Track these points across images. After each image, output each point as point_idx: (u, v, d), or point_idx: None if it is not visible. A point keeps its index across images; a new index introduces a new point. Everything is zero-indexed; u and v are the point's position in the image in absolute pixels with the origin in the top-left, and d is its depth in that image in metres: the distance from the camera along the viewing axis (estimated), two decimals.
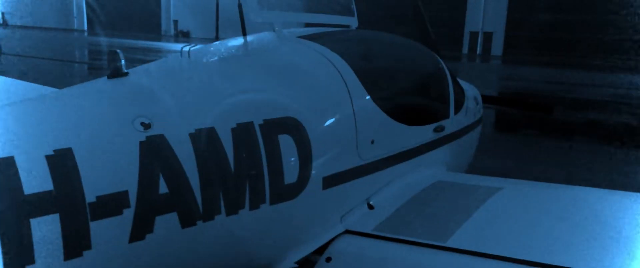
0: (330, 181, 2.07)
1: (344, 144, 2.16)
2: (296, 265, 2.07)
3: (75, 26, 50.31)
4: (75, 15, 50.18)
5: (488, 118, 11.05)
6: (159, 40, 39.00)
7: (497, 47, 34.15)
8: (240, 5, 2.31)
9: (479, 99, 4.06)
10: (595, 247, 1.90)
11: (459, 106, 3.22)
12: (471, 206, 2.20)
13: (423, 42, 4.61)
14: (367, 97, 2.32)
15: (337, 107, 2.20)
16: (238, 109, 1.89)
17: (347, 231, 2.11)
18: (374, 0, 36.43)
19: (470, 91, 3.87)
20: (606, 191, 2.52)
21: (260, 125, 1.87)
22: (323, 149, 2.04)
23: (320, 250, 2.07)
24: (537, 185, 2.74)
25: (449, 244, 1.91)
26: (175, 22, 46.52)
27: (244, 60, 2.31)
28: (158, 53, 23.88)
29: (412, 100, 3.02)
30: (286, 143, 1.92)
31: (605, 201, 2.40)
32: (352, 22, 3.13)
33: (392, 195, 2.36)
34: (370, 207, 2.28)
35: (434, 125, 2.82)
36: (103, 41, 33.86)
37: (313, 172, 1.99)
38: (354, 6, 3.17)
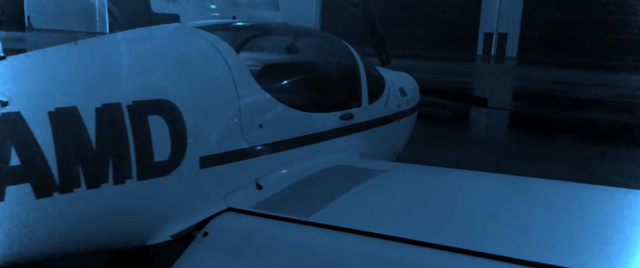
0: (209, 161, 2.23)
1: (225, 127, 2.32)
2: (171, 239, 2.21)
3: (98, 29, 51.51)
4: (98, 18, 51.40)
5: (489, 119, 11.29)
6: None
7: (511, 49, 34.02)
8: None
9: (410, 89, 4.21)
10: (468, 226, 2.04)
11: (375, 96, 3.39)
12: (347, 186, 2.38)
13: (374, 41, 4.98)
14: (256, 84, 2.48)
15: (219, 92, 2.35)
16: (104, 90, 2.03)
17: (230, 209, 2.25)
18: (385, 2, 36.76)
19: (399, 82, 4.05)
20: (500, 175, 2.63)
21: (128, 106, 2.01)
22: (199, 131, 2.20)
23: (204, 226, 2.20)
24: (433, 170, 2.88)
25: (310, 219, 2.04)
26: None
27: (124, 47, 2.45)
28: None
29: (311, 88, 3.22)
30: (157, 123, 2.06)
31: (490, 185, 2.56)
32: (276, 15, 3.36)
33: (283, 177, 2.51)
34: (259, 187, 2.42)
35: (340, 113, 2.99)
36: None
37: (188, 152, 2.14)
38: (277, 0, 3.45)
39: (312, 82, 3.34)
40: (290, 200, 2.33)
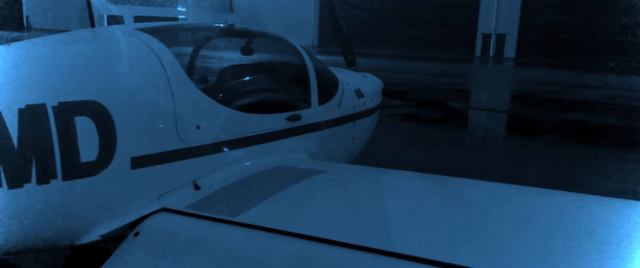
0: (141, 161, 2.22)
1: (159, 128, 2.30)
2: (101, 239, 2.20)
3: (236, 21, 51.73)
4: (96, 18, 51.43)
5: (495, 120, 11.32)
6: None
7: (510, 49, 34.13)
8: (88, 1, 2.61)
9: (369, 91, 4.21)
10: (390, 227, 2.06)
11: (326, 97, 3.36)
12: (281, 187, 2.39)
13: (338, 41, 5.01)
14: (193, 86, 2.47)
15: (152, 94, 2.33)
16: (30, 92, 2.03)
17: (164, 209, 2.24)
18: (390, 4, 36.80)
19: (356, 83, 4.03)
20: (438, 176, 2.62)
21: (54, 107, 2.01)
22: (131, 131, 2.18)
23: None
24: (373, 171, 2.88)
25: (237, 219, 2.05)
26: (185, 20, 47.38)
27: (57, 48, 2.42)
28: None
29: (254, 90, 3.21)
30: (84, 124, 2.06)
31: (424, 186, 2.57)
32: (230, 17, 3.44)
33: (222, 178, 2.48)
34: (197, 187, 2.40)
35: (287, 114, 2.97)
36: None
37: (118, 152, 2.13)
38: (232, 2, 3.47)
39: (255, 84, 3.34)
40: (224, 200, 2.31)
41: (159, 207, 2.25)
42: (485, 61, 32.44)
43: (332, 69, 4.21)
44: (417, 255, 1.72)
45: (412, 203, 2.36)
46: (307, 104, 3.20)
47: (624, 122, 11.20)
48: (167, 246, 2.07)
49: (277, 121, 2.92)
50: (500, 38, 34.26)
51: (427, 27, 36.50)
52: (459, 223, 2.05)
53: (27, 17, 45.39)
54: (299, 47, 3.39)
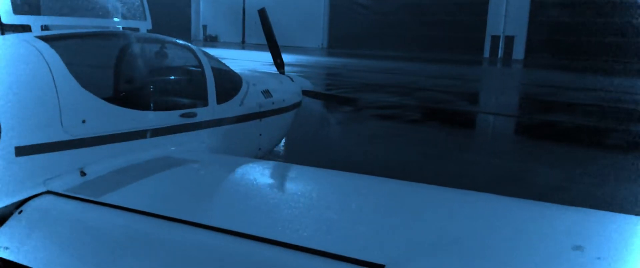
0: (26, 150, 2.53)
1: (43, 122, 2.62)
2: None
3: (151, 28, 53.08)
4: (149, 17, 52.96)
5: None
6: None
7: (518, 51, 33.83)
8: None
9: (281, 91, 4.55)
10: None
11: (226, 97, 3.69)
12: (156, 174, 2.72)
13: (269, 49, 5.28)
14: (78, 85, 2.77)
15: (37, 92, 2.64)
16: None
17: (49, 192, 2.54)
18: (400, 6, 36.81)
19: (266, 84, 4.38)
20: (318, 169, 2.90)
21: None
22: (15, 124, 2.51)
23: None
24: (239, 160, 3.24)
25: (109, 201, 2.37)
26: (204, 27, 48.03)
27: None
28: None
29: (144, 90, 3.50)
30: None
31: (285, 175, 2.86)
32: (143, 25, 3.65)
33: (108, 166, 2.79)
34: (83, 174, 2.70)
35: (181, 111, 3.30)
36: None
37: (2, 142, 2.44)
38: (147, 10, 3.73)
39: (146, 84, 3.62)
40: (103, 185, 2.60)
41: (44, 190, 2.55)
42: (493, 62, 32.24)
43: (248, 72, 4.74)
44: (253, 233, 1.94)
45: (270, 191, 2.67)
46: (204, 102, 3.53)
47: (601, 124, 11.11)
48: (48, 224, 2.38)
49: (169, 117, 3.24)
50: (509, 40, 33.98)
51: (436, 29, 36.41)
52: (348, 217, 2.25)
53: None
54: (199, 52, 3.71)
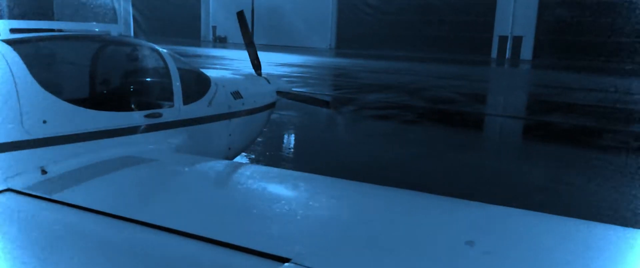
0: None
1: (4, 122, 2.71)
2: None
3: (122, 31, 53.64)
4: (122, 21, 53.54)
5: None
6: (198, 45, 40.77)
7: (526, 52, 33.69)
8: None
9: (252, 93, 4.66)
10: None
11: (193, 98, 3.80)
12: (110, 171, 2.84)
13: (247, 52, 5.44)
14: (39, 87, 2.88)
15: None
16: None
17: (9, 189, 2.62)
18: (409, 6, 36.84)
19: (236, 86, 4.47)
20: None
21: None
22: None
23: None
24: (198, 159, 3.34)
25: (61, 197, 2.46)
26: (214, 28, 48.39)
27: None
28: (195, 57, 25.33)
29: (107, 91, 3.61)
30: None
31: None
32: (114, 28, 3.75)
33: (70, 164, 2.87)
34: (44, 172, 2.78)
35: (145, 112, 3.40)
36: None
37: None
38: (118, 14, 3.84)
39: (110, 86, 3.75)
40: (62, 183, 2.68)
41: (5, 187, 2.63)
42: (501, 63, 32.15)
43: (224, 74, 4.89)
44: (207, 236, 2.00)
45: (212, 190, 2.75)
46: (170, 103, 3.63)
47: (597, 124, 11.15)
48: (7, 221, 2.46)
49: (133, 117, 3.35)
50: (517, 40, 33.86)
51: (444, 29, 36.39)
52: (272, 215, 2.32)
53: None
54: (165, 55, 3.80)
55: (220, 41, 46.24)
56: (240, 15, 5.49)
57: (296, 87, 15.63)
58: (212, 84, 4.12)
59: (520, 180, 6.70)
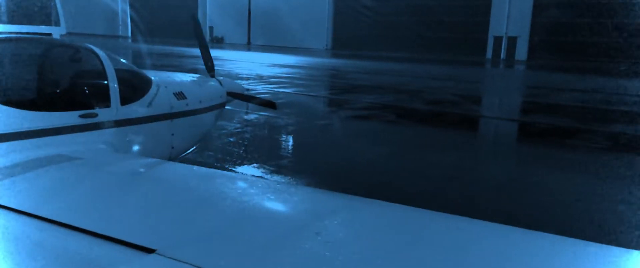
0: None
1: None
2: None
3: (120, 33, 53.90)
4: (120, 22, 53.74)
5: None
6: (195, 46, 40.80)
7: (521, 52, 33.76)
8: None
9: (196, 93, 4.73)
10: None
11: (131, 99, 3.89)
12: (29, 169, 2.88)
13: (201, 54, 5.56)
14: None
15: None
16: None
17: None
18: (404, 7, 36.93)
19: (180, 87, 4.57)
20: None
21: None
22: None
23: None
24: (127, 158, 3.39)
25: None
26: (211, 28, 48.56)
27: None
28: (191, 58, 25.49)
29: (38, 91, 3.68)
30: None
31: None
32: (56, 30, 3.93)
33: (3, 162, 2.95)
34: None
35: (80, 112, 3.46)
36: (143, 46, 36.00)
37: None
38: (61, 17, 3.96)
39: (43, 86, 3.81)
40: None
41: None
42: (496, 64, 32.19)
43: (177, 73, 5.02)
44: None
45: (123, 187, 2.77)
46: (106, 103, 3.70)
47: (571, 124, 11.20)
48: None
49: (67, 117, 3.41)
50: (512, 41, 33.93)
51: (439, 30, 36.47)
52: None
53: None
54: (103, 57, 3.87)
55: (217, 42, 46.39)
56: (194, 19, 5.63)
57: (283, 88, 15.74)
58: (154, 85, 4.20)
59: (480, 176, 6.78)
